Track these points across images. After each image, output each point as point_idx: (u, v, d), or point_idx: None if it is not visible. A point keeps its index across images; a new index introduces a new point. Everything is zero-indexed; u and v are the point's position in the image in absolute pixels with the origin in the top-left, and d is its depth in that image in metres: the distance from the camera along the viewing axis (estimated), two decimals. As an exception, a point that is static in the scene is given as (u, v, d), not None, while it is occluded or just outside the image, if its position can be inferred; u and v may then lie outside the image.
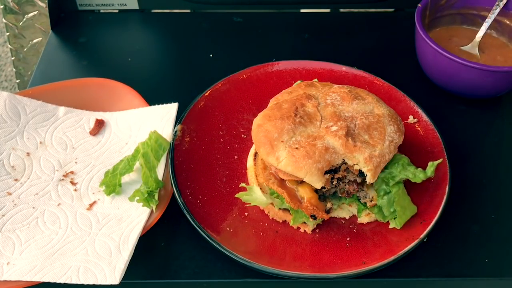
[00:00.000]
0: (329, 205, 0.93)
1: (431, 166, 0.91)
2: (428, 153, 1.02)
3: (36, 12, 1.36)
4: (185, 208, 0.92)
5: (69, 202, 0.96)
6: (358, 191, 0.92)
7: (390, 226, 0.92)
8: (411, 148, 1.03)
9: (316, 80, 1.05)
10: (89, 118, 1.10)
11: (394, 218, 0.91)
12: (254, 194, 0.91)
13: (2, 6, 1.35)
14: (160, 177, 0.97)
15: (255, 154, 1.00)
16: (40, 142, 1.05)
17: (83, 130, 1.08)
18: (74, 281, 0.83)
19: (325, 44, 1.36)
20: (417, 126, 1.08)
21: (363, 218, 0.94)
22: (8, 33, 1.41)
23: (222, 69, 1.19)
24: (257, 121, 0.95)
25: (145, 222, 0.90)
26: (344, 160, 0.88)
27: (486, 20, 1.20)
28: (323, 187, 0.89)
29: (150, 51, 1.35)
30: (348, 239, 0.92)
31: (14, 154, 1.02)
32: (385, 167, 0.90)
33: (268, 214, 0.95)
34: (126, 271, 0.85)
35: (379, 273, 0.88)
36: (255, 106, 1.12)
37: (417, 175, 0.90)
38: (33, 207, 0.95)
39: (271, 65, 1.19)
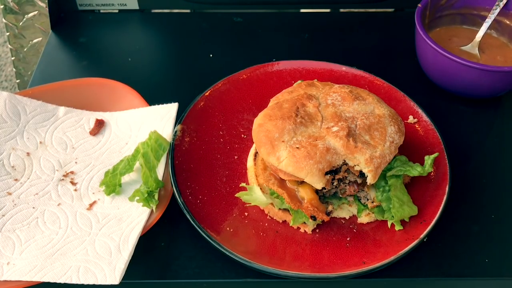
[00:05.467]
0: (330, 207, 0.93)
1: (428, 159, 0.92)
2: (428, 153, 1.02)
3: (36, 12, 1.36)
4: (185, 208, 0.92)
5: (69, 202, 0.96)
6: (358, 191, 0.92)
7: (389, 223, 0.92)
8: (411, 148, 1.03)
9: (316, 80, 1.05)
10: (89, 118, 1.10)
11: (393, 217, 0.91)
12: (254, 194, 0.91)
13: (2, 6, 1.35)
14: (160, 177, 0.97)
15: (255, 154, 1.00)
16: (40, 142, 1.05)
17: (83, 130, 1.08)
18: (74, 281, 0.83)
19: (325, 44, 1.36)
20: (417, 126, 1.08)
21: (363, 218, 0.94)
22: (8, 33, 1.41)
23: (222, 69, 1.19)
24: (257, 120, 0.95)
25: (145, 222, 0.90)
26: (345, 160, 0.88)
27: (486, 20, 1.20)
28: (323, 188, 0.89)
29: (150, 51, 1.35)
30: (348, 239, 0.92)
31: (14, 154, 1.02)
32: (385, 167, 0.91)
33: (268, 214, 0.95)
34: (126, 271, 0.85)
35: (379, 273, 0.88)
36: (255, 106, 1.12)
37: (415, 168, 0.91)
38: (33, 207, 0.95)
39: (271, 65, 1.19)
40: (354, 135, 0.89)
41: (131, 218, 0.92)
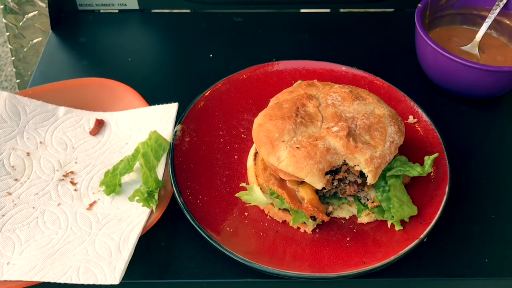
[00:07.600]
0: (330, 208, 0.93)
1: (427, 160, 0.92)
2: (428, 153, 1.02)
3: (36, 12, 1.36)
4: (185, 208, 0.92)
5: (69, 202, 0.96)
6: (358, 191, 0.92)
7: (389, 223, 0.92)
8: (411, 148, 1.03)
9: (316, 80, 1.05)
10: (89, 118, 1.10)
11: (392, 217, 0.91)
12: (254, 194, 0.91)
13: (2, 6, 1.35)
14: (160, 177, 0.97)
15: (255, 154, 1.00)
16: (40, 142, 1.05)
17: (83, 130, 1.08)
18: (74, 281, 0.83)
19: (325, 44, 1.36)
20: (417, 126, 1.08)
21: (363, 218, 0.94)
22: (8, 33, 1.41)
23: (222, 69, 1.19)
24: (258, 120, 0.95)
25: (145, 222, 0.90)
26: (345, 161, 0.88)
27: (486, 20, 1.20)
28: (323, 188, 0.89)
29: (150, 51, 1.35)
30: (348, 239, 0.92)
31: (14, 154, 1.02)
32: (385, 167, 0.91)
33: (268, 214, 0.95)
34: (126, 271, 0.85)
35: (379, 273, 0.88)
36: (255, 106, 1.12)
37: (414, 168, 0.91)
38: (33, 207, 0.95)
39: (271, 65, 1.19)
40: (354, 135, 0.89)
41: (131, 218, 0.92)
